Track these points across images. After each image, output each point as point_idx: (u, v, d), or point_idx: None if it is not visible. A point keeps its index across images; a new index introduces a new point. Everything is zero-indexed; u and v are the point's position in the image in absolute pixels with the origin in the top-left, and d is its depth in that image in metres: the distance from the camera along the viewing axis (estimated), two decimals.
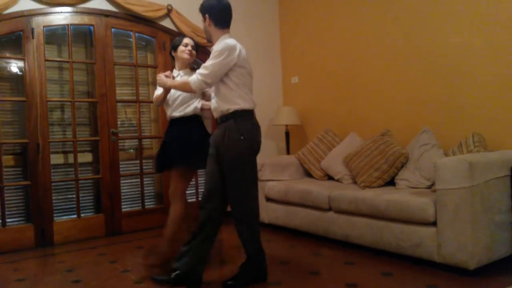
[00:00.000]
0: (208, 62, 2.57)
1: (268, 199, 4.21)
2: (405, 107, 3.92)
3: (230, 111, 2.58)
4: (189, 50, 3.15)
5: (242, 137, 2.55)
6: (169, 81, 2.89)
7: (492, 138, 3.23)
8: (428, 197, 2.82)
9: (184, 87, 2.73)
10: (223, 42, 2.59)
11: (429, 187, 3.21)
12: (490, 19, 3.27)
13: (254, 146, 2.64)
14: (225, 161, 2.59)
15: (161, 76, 2.94)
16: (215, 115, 2.71)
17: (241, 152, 2.57)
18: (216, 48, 2.59)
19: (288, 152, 5.06)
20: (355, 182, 3.78)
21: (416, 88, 3.82)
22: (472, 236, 2.54)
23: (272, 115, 5.16)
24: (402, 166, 3.48)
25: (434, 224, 2.74)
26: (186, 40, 3.19)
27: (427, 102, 3.73)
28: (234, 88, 2.58)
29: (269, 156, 5.09)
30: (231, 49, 2.55)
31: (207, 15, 2.70)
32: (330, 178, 4.17)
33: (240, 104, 2.57)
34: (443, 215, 2.66)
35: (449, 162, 2.66)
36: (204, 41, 4.64)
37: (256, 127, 2.67)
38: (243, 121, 2.58)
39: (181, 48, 3.15)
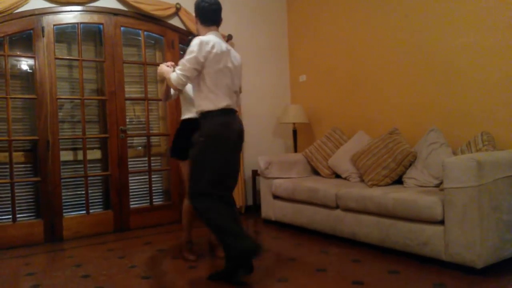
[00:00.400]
0: (184, 59, 2.65)
1: (275, 197, 4.22)
2: (413, 106, 3.91)
3: (198, 113, 2.70)
4: None
5: (202, 139, 2.61)
6: (165, 72, 2.86)
7: (501, 137, 3.21)
8: (436, 196, 2.81)
9: (168, 82, 2.77)
10: (197, 38, 2.65)
11: (437, 185, 3.19)
12: (498, 19, 3.24)
13: (221, 145, 2.62)
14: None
15: (161, 65, 2.95)
16: None
17: (202, 152, 2.61)
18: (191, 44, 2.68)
19: (295, 150, 5.06)
20: (362, 181, 3.78)
21: (425, 86, 3.81)
22: (480, 235, 2.53)
23: (280, 113, 5.17)
24: (410, 165, 3.47)
25: (441, 222, 2.73)
26: None
27: (435, 101, 3.72)
28: (203, 89, 2.65)
29: (276, 154, 5.11)
30: (202, 44, 2.60)
31: (194, 14, 2.80)
32: (338, 176, 4.17)
33: (203, 105, 2.64)
34: (451, 213, 2.65)
35: (457, 161, 2.65)
36: None
37: (224, 126, 2.63)
38: (207, 122, 2.63)
39: None
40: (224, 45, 2.70)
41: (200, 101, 2.66)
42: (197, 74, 2.64)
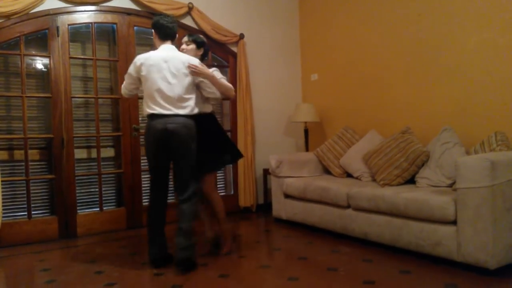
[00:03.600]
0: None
1: (287, 196, 4.22)
2: (426, 105, 3.88)
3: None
4: (182, 48, 3.39)
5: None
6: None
7: None
8: (448, 196, 2.79)
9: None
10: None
11: (450, 185, 3.17)
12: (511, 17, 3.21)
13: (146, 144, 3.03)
14: None
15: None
16: None
17: None
18: None
19: (306, 149, 5.06)
20: (374, 180, 3.76)
21: (438, 85, 3.78)
22: (493, 235, 2.51)
23: (291, 112, 5.17)
24: (422, 164, 3.45)
25: (454, 223, 2.71)
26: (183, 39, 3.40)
27: (448, 100, 3.69)
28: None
29: (287, 153, 5.11)
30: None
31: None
32: (349, 175, 4.16)
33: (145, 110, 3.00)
34: (463, 214, 2.63)
35: (470, 160, 2.63)
36: (224, 38, 4.71)
37: (147, 129, 2.97)
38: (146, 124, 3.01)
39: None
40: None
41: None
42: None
